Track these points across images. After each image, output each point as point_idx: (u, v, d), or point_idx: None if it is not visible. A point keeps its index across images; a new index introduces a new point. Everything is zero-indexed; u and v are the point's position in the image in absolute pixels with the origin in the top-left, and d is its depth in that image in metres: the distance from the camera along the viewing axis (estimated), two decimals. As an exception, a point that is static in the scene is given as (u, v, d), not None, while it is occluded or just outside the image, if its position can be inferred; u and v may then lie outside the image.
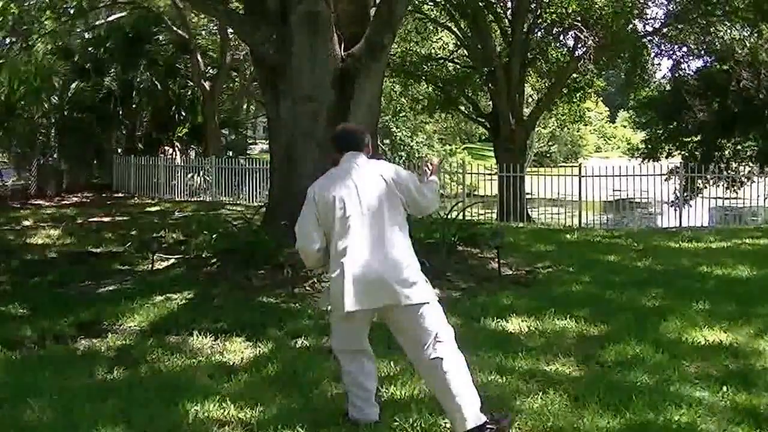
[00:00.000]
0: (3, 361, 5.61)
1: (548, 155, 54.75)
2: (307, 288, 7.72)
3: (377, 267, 3.75)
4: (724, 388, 4.48)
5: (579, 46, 21.05)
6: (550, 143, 55.43)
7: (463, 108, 25.75)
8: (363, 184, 3.89)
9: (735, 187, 17.77)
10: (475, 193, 21.09)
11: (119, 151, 22.49)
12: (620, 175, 15.73)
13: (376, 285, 3.75)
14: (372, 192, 3.87)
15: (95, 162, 22.17)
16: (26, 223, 14.20)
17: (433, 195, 4.09)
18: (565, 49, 23.29)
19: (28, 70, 19.79)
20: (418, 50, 24.51)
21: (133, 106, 22.32)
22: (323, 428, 4.01)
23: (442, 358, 3.74)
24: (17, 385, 4.85)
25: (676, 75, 23.70)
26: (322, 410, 4.19)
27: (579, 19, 19.84)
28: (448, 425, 3.98)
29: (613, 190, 16.08)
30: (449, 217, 10.07)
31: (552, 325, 6.11)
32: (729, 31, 22.34)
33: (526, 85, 24.36)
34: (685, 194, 15.86)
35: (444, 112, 27.06)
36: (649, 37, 22.66)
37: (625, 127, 54.65)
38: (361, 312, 3.82)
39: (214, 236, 9.95)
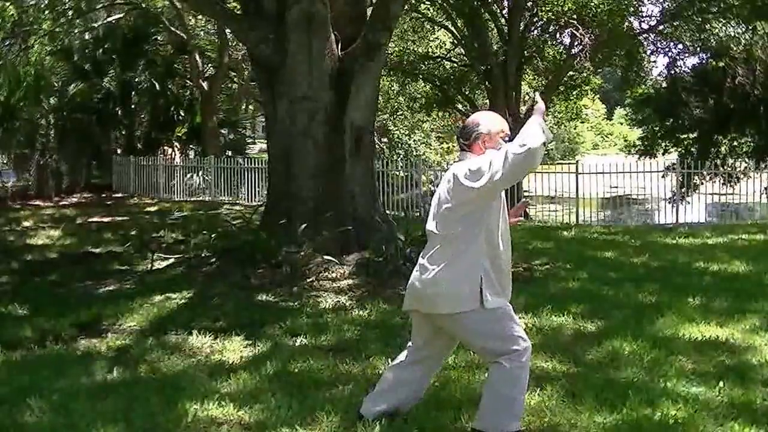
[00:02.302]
0: (3, 361, 5.62)
1: (545, 152, 54.68)
2: (306, 287, 7.76)
3: (421, 273, 3.74)
4: (720, 384, 4.50)
5: (575, 44, 21.10)
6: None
7: (460, 106, 25.78)
8: (439, 189, 3.76)
9: (731, 183, 17.80)
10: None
11: (118, 151, 22.51)
12: (617, 172, 15.76)
13: (415, 290, 3.77)
14: (439, 198, 3.74)
15: (94, 162, 22.18)
16: (26, 223, 14.21)
17: (515, 159, 3.47)
18: (562, 47, 23.34)
19: (27, 71, 19.81)
20: (415, 49, 24.55)
21: (132, 106, 22.34)
22: (322, 427, 4.04)
23: (490, 366, 3.75)
24: (17, 385, 4.87)
25: (672, 72, 23.74)
26: (320, 409, 4.21)
27: (575, 17, 19.88)
28: (444, 423, 4.02)
29: (610, 187, 16.12)
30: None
31: (549, 321, 6.13)
32: (724, 28, 22.39)
33: (522, 83, 24.39)
34: (682, 190, 15.88)
35: (441, 110, 27.08)
36: (644, 35, 22.70)
37: (621, 124, 54.70)
38: (413, 312, 3.86)
39: (213, 236, 9.97)
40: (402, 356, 4.00)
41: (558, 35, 23.30)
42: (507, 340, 3.66)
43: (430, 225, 3.76)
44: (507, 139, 3.78)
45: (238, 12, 10.77)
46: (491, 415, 3.67)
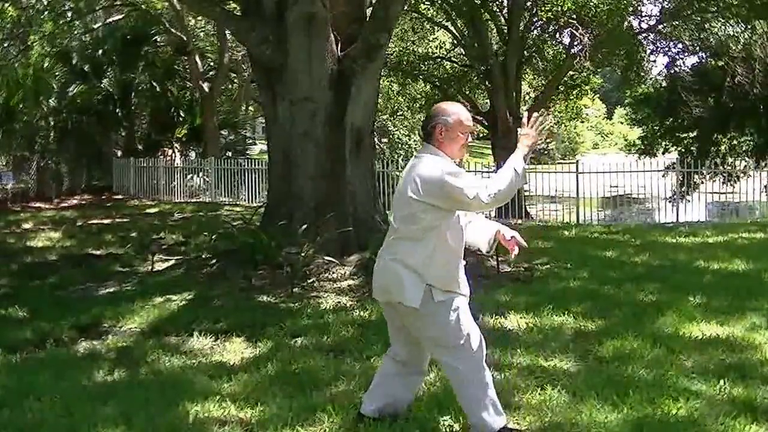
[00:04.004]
0: (4, 363, 5.63)
1: (546, 152, 54.80)
2: (306, 287, 7.76)
3: (377, 262, 3.80)
4: (722, 382, 4.51)
5: (575, 43, 21.09)
6: (547, 140, 55.47)
7: (460, 106, 25.75)
8: (400, 183, 3.79)
9: (731, 182, 17.82)
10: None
11: (119, 153, 22.51)
12: (617, 172, 15.77)
13: (374, 277, 3.82)
14: (399, 189, 3.75)
15: (95, 164, 22.17)
16: (26, 225, 14.20)
17: (481, 200, 3.50)
18: (561, 47, 23.33)
19: (27, 72, 19.81)
20: (415, 49, 24.56)
21: (132, 107, 22.33)
22: (323, 427, 4.04)
23: (445, 366, 3.79)
24: (18, 387, 4.87)
25: (672, 71, 23.78)
26: (321, 409, 4.21)
27: (574, 17, 19.88)
28: (445, 423, 4.02)
29: (611, 187, 16.13)
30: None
31: (550, 321, 6.14)
32: (723, 27, 22.41)
33: (522, 82, 24.39)
34: (682, 189, 15.89)
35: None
36: (644, 34, 22.70)
37: (622, 123, 54.72)
38: (382, 303, 3.89)
39: (213, 237, 9.98)
40: (391, 356, 4.01)
41: (558, 35, 23.29)
42: (453, 333, 3.64)
43: (390, 215, 3.81)
44: (467, 132, 3.72)
45: (238, 13, 10.77)
46: (471, 417, 3.71)
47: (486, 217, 3.94)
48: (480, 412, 3.65)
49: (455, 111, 3.73)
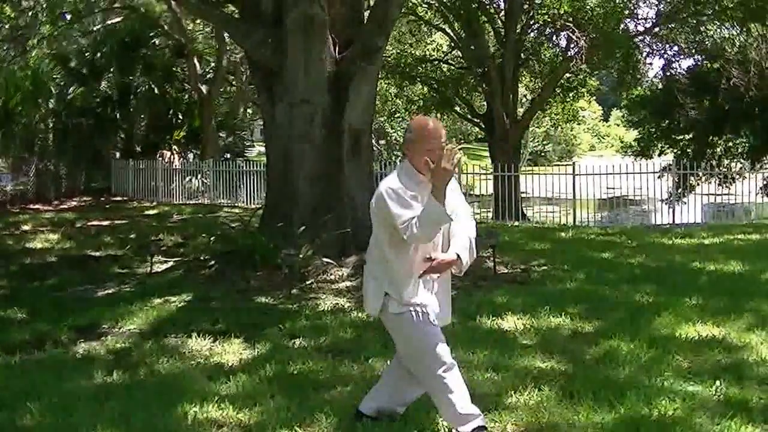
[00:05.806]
0: (3, 364, 5.63)
1: (543, 154, 54.92)
2: (305, 289, 7.78)
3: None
4: (717, 383, 4.53)
5: (571, 46, 21.14)
6: (544, 142, 55.58)
7: (458, 108, 25.81)
8: None
9: (727, 184, 17.87)
10: (471, 192, 21.14)
11: (117, 155, 22.50)
12: (614, 173, 15.81)
13: None
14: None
15: (93, 166, 22.15)
16: (25, 227, 14.20)
17: (417, 229, 3.52)
18: (558, 50, 23.39)
19: (25, 75, 19.80)
20: (412, 52, 24.60)
21: (131, 110, 22.32)
22: (321, 428, 4.06)
23: (416, 375, 3.85)
24: (17, 388, 4.88)
25: (668, 74, 23.83)
26: (320, 410, 4.23)
27: (571, 19, 19.93)
28: (443, 424, 4.04)
29: (607, 188, 16.16)
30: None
31: (547, 322, 6.16)
32: (719, 30, 22.46)
33: (519, 85, 24.45)
34: (678, 191, 15.94)
35: (439, 112, 27.10)
36: (640, 37, 22.75)
37: (618, 125, 54.81)
38: None
39: (212, 239, 9.99)
40: (396, 360, 4.06)
41: (554, 38, 23.35)
42: (414, 344, 3.73)
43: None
44: (433, 148, 3.62)
45: (237, 16, 10.79)
46: (450, 420, 3.81)
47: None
48: (456, 413, 3.73)
49: (418, 127, 3.75)
